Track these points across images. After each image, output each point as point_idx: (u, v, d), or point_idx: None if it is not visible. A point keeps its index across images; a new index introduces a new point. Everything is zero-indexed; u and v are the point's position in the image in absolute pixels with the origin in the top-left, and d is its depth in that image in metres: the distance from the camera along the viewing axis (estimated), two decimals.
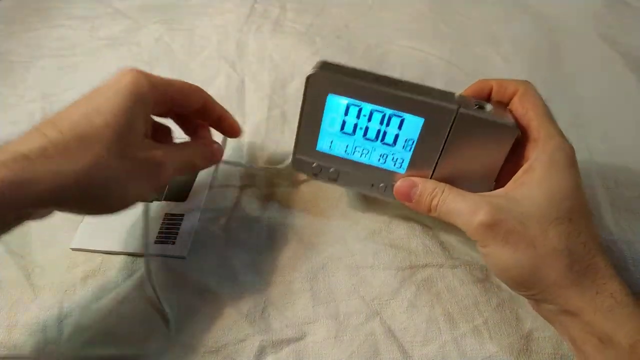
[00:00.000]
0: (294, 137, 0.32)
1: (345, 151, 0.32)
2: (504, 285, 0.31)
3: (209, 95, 0.32)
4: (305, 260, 0.34)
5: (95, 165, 0.24)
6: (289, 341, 0.30)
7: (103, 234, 0.35)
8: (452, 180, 0.30)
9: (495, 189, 0.29)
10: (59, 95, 0.46)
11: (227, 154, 0.41)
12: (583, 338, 0.25)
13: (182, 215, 0.36)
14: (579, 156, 0.39)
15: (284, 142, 0.42)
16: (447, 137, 0.29)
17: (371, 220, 0.35)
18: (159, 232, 0.35)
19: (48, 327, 0.30)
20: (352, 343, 0.30)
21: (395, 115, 0.29)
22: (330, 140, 0.31)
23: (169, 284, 0.32)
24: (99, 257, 0.34)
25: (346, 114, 0.30)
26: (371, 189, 0.32)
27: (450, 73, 0.50)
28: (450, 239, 0.35)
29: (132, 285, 0.32)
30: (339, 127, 0.31)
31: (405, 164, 0.31)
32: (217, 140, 0.35)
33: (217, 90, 0.47)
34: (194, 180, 0.38)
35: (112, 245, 0.34)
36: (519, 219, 0.25)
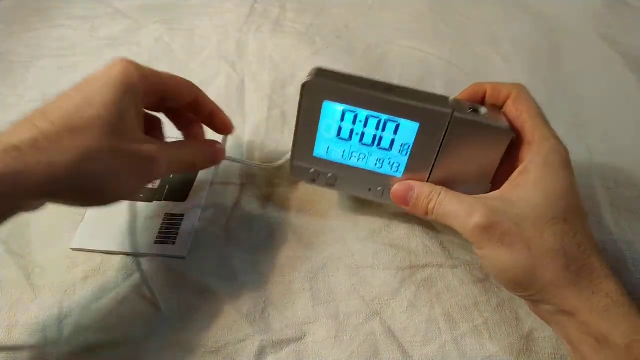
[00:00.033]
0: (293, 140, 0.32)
1: (342, 156, 0.32)
2: None
3: (200, 90, 0.32)
4: (305, 260, 0.34)
5: (87, 157, 0.24)
6: (289, 341, 0.30)
7: (103, 234, 0.35)
8: (448, 183, 0.30)
9: (491, 191, 0.29)
10: None
11: (226, 153, 0.41)
12: (580, 338, 0.25)
13: (182, 215, 0.36)
14: (579, 156, 0.39)
15: (284, 142, 0.42)
16: (442, 141, 0.29)
17: (371, 220, 0.35)
18: (159, 232, 0.35)
19: (48, 327, 0.30)
20: (352, 343, 0.30)
21: (391, 121, 0.29)
22: (327, 146, 0.32)
23: (169, 284, 0.32)
24: (99, 257, 0.34)
25: (342, 120, 0.30)
26: (368, 193, 0.33)
27: (450, 73, 0.50)
28: (450, 239, 0.35)
29: (132, 285, 0.32)
30: (335, 133, 0.31)
31: (402, 168, 0.31)
32: (217, 140, 0.35)
33: (217, 90, 0.47)
34: (194, 180, 0.38)
35: (112, 245, 0.34)
36: (515, 221, 0.25)
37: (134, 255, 0.34)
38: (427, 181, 0.31)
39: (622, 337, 0.23)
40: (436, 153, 0.30)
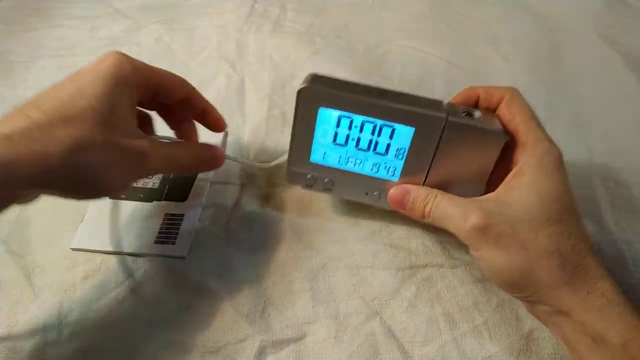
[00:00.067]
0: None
1: (339, 162, 0.32)
2: None
3: (193, 87, 0.32)
4: (305, 260, 0.34)
5: (80, 147, 0.23)
6: (289, 341, 0.30)
7: (103, 234, 0.35)
8: (444, 186, 0.30)
9: (486, 193, 0.29)
10: None
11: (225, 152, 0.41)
12: (576, 338, 0.25)
13: (182, 215, 0.36)
14: (579, 156, 0.39)
15: (284, 142, 0.42)
16: (437, 145, 0.29)
17: (371, 220, 0.35)
18: (159, 232, 0.35)
19: (48, 327, 0.30)
20: (352, 343, 0.30)
21: (386, 126, 0.30)
22: (324, 151, 0.32)
23: (169, 284, 0.32)
24: (99, 257, 0.34)
25: (338, 125, 0.31)
26: (365, 197, 0.33)
27: (450, 73, 0.50)
28: (450, 239, 0.34)
29: (132, 285, 0.32)
30: (331, 138, 0.31)
31: (398, 172, 0.31)
32: (217, 145, 0.34)
33: (217, 90, 0.47)
34: (194, 180, 0.38)
35: (112, 245, 0.34)
36: (510, 222, 0.26)
37: (134, 255, 0.34)
38: (423, 184, 0.31)
39: (618, 336, 0.23)
40: (431, 157, 0.30)
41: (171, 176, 0.38)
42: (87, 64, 0.27)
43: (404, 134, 0.30)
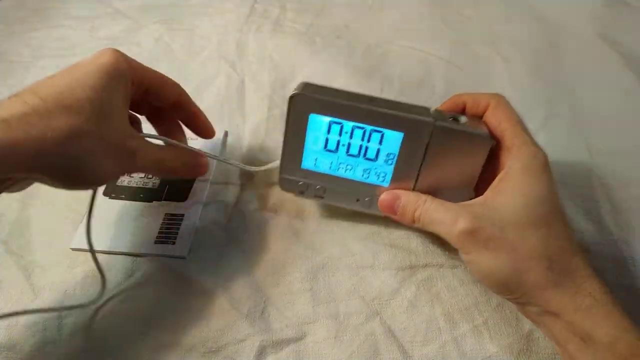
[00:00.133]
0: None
1: (330, 168, 0.32)
2: None
3: (184, 91, 0.33)
4: (305, 260, 0.34)
5: (75, 136, 0.24)
6: (289, 341, 0.30)
7: (103, 234, 0.35)
8: (433, 191, 0.31)
9: (475, 197, 0.29)
10: None
11: (227, 153, 0.41)
12: (566, 338, 0.25)
13: (182, 215, 0.36)
14: (579, 156, 0.39)
15: None
16: (425, 150, 0.30)
17: (371, 220, 0.35)
18: (159, 232, 0.35)
19: (48, 327, 0.30)
20: (352, 343, 0.30)
21: (376, 131, 0.30)
22: (315, 158, 0.32)
23: (169, 284, 0.32)
24: (99, 257, 0.33)
25: (329, 132, 0.31)
26: (356, 203, 0.33)
27: (450, 73, 0.50)
28: None
29: (132, 285, 0.32)
30: (322, 145, 0.32)
31: (389, 178, 0.32)
32: (203, 152, 0.35)
33: (217, 90, 0.47)
34: (194, 180, 0.38)
35: (112, 245, 0.34)
36: (498, 225, 0.26)
37: (134, 255, 0.34)
38: (413, 190, 0.32)
39: (606, 335, 0.23)
40: (420, 162, 0.30)
41: (173, 178, 0.38)
42: (84, 59, 0.28)
43: (393, 139, 0.30)
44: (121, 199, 0.37)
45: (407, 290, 0.32)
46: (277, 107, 0.45)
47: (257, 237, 0.35)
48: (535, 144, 0.29)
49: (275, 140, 0.42)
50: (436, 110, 0.30)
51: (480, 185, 0.30)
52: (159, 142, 0.32)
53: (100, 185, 0.31)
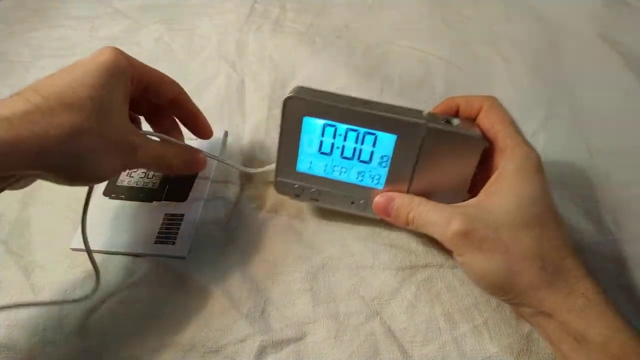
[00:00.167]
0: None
1: (325, 171, 0.33)
2: None
3: (183, 90, 0.33)
4: (305, 260, 0.34)
5: (77, 133, 0.24)
6: (289, 341, 0.30)
7: (103, 234, 0.35)
8: (427, 193, 0.31)
9: (469, 199, 0.29)
10: None
11: (227, 153, 0.41)
12: (559, 338, 0.25)
13: (182, 215, 0.36)
14: (579, 156, 0.39)
15: None
16: (419, 152, 0.30)
17: (371, 221, 0.35)
18: (159, 232, 0.35)
19: (48, 327, 0.30)
20: (352, 343, 0.30)
21: (369, 133, 0.30)
22: (310, 160, 0.32)
23: (168, 284, 0.32)
24: (99, 257, 0.33)
25: (323, 134, 0.31)
26: (351, 206, 0.33)
27: (450, 73, 0.49)
28: None
29: (132, 285, 0.32)
30: (317, 147, 0.32)
31: (383, 180, 0.32)
32: (200, 150, 0.35)
33: (217, 90, 0.47)
34: (194, 180, 0.38)
35: (112, 245, 0.34)
36: (492, 227, 0.26)
37: (134, 255, 0.34)
38: (407, 192, 0.32)
39: (599, 335, 0.24)
40: (414, 164, 0.31)
41: (171, 176, 0.38)
42: (84, 57, 0.28)
43: (387, 141, 0.30)
44: (121, 199, 0.37)
45: (407, 290, 0.32)
46: (277, 107, 0.45)
47: (257, 237, 0.35)
48: (528, 145, 0.29)
49: (275, 140, 0.41)
50: (429, 113, 0.31)
51: (475, 187, 0.30)
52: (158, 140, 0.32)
53: (103, 180, 0.32)
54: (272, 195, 0.38)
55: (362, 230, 0.35)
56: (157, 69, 0.32)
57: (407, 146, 0.30)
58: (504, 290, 0.27)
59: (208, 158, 0.35)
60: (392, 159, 0.31)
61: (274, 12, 0.58)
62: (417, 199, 0.30)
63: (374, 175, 0.32)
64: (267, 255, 0.34)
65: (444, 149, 0.30)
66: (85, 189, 0.30)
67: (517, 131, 0.29)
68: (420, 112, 0.30)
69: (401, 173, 0.31)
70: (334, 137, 0.31)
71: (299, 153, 0.32)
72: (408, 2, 0.60)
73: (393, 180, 0.32)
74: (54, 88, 0.25)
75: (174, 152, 0.32)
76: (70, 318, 0.30)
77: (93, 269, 0.31)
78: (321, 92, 0.31)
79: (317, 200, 0.34)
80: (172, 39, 0.54)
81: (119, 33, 0.55)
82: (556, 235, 0.26)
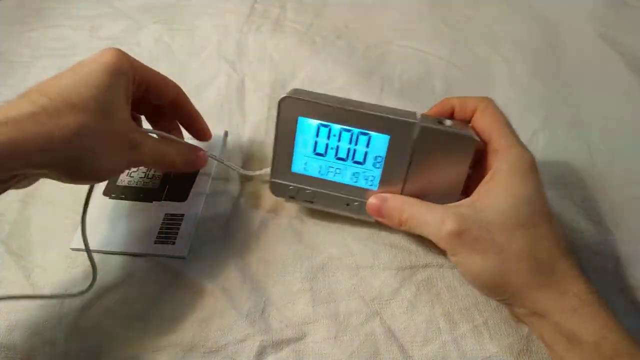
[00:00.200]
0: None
1: (320, 172, 0.33)
2: None
3: (183, 92, 0.34)
4: (305, 260, 0.34)
5: (82, 133, 0.25)
6: (289, 341, 0.30)
7: (103, 234, 0.35)
8: (421, 194, 0.31)
9: (462, 199, 0.29)
10: None
11: (227, 153, 0.41)
12: (553, 338, 0.25)
13: (182, 215, 0.36)
14: (579, 156, 0.39)
15: None
16: (412, 153, 0.30)
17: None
18: (159, 232, 0.35)
19: (48, 327, 0.30)
20: (352, 343, 0.30)
21: (363, 134, 0.30)
22: (305, 162, 0.33)
23: (169, 284, 0.32)
24: (99, 257, 0.33)
25: (317, 135, 0.31)
26: (346, 208, 0.33)
27: (450, 73, 0.49)
28: None
29: (132, 285, 0.32)
30: (311, 148, 0.32)
31: (377, 181, 0.32)
32: (201, 148, 0.35)
33: (217, 90, 0.47)
34: (194, 180, 0.38)
35: (111, 245, 0.34)
36: (485, 227, 0.26)
37: (134, 255, 0.34)
38: (401, 193, 0.32)
39: (592, 335, 0.24)
40: (407, 165, 0.31)
41: (171, 176, 0.38)
42: (86, 58, 0.28)
43: (380, 141, 0.30)
44: (121, 198, 0.37)
45: (407, 290, 0.32)
46: (277, 107, 0.45)
47: (257, 237, 0.35)
48: (522, 145, 0.29)
49: None
50: (422, 115, 0.31)
51: (469, 188, 0.30)
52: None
53: (107, 178, 0.33)
54: (271, 196, 0.38)
55: (362, 230, 0.35)
56: (157, 69, 0.32)
57: (400, 146, 0.30)
58: (497, 291, 0.27)
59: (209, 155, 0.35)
60: (386, 159, 0.31)
61: (274, 12, 0.58)
62: (410, 200, 0.30)
63: (369, 176, 0.32)
64: (267, 255, 0.34)
65: (437, 148, 0.30)
66: (85, 188, 0.30)
67: (512, 132, 0.29)
68: (413, 113, 0.30)
69: (395, 174, 0.31)
70: (328, 137, 0.31)
71: (294, 154, 0.32)
72: (408, 2, 0.60)
73: (387, 181, 0.32)
74: (59, 89, 0.25)
75: (176, 150, 0.33)
76: (70, 318, 0.31)
77: (90, 264, 0.31)
78: (316, 93, 0.31)
79: (311, 202, 0.34)
80: (172, 39, 0.54)
81: (119, 33, 0.55)
82: (550, 235, 0.26)
